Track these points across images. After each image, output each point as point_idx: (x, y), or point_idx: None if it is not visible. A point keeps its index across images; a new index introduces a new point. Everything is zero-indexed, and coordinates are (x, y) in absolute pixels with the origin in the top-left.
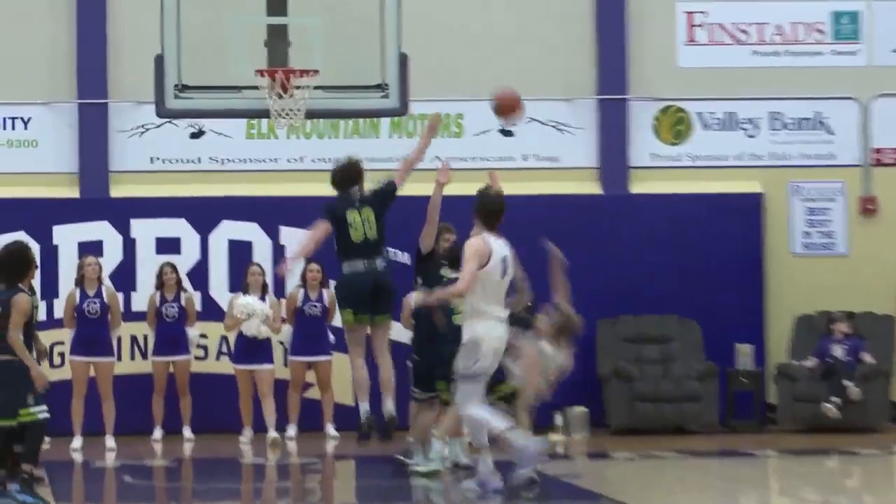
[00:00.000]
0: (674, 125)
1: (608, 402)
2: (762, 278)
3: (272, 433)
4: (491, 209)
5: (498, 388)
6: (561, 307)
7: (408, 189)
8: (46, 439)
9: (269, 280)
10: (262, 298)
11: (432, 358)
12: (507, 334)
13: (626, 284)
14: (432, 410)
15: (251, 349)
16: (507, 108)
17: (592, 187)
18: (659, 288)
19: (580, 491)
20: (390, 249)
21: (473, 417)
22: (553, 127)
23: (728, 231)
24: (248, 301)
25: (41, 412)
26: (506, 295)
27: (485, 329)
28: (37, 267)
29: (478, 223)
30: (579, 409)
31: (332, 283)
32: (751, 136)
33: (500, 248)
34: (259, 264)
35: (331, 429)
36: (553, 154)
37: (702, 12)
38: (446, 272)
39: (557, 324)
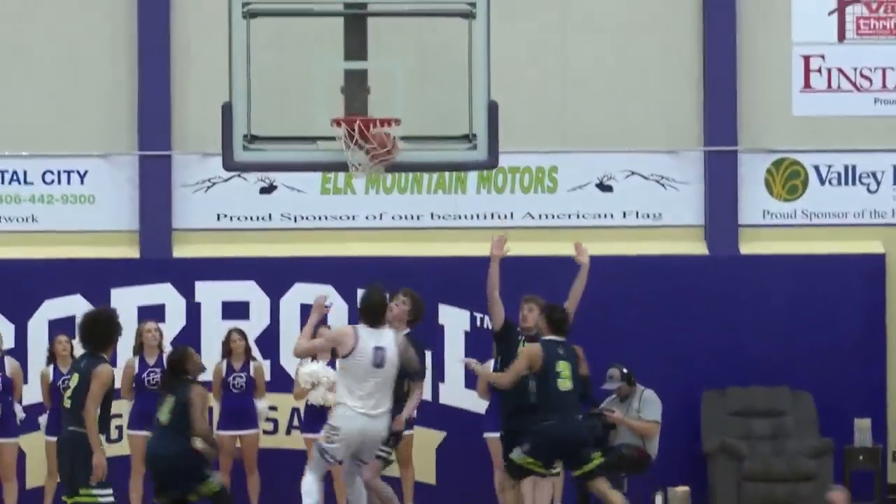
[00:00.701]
0: (788, 179)
1: (714, 482)
2: (884, 347)
3: None
4: (369, 309)
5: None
6: None
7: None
8: None
9: None
10: (332, 363)
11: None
12: (380, 428)
13: (733, 353)
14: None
15: (319, 418)
16: None
17: (698, 247)
18: (770, 357)
19: None
20: None
21: (305, 487)
22: (656, 181)
23: (847, 295)
24: (313, 369)
25: (103, 496)
26: (389, 386)
27: (344, 419)
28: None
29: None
30: (681, 489)
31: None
32: (872, 192)
33: (375, 337)
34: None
35: None
36: (655, 210)
37: (820, 56)
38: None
39: None
